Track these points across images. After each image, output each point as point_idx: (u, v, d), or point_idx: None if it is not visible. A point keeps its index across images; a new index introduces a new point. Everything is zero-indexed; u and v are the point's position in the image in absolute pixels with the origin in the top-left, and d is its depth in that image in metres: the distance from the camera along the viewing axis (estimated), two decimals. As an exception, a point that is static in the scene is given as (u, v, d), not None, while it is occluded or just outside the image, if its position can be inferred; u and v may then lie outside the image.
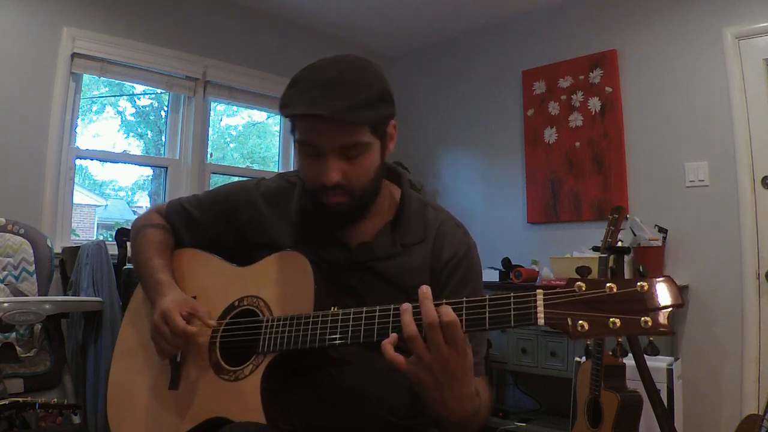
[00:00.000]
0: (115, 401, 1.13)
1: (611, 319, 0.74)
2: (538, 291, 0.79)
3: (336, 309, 0.94)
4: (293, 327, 0.96)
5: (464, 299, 0.83)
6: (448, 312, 0.80)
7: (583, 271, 0.80)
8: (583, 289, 0.76)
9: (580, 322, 0.75)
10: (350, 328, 0.91)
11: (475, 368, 0.91)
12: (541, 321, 0.77)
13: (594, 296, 0.75)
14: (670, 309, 0.73)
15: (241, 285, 1.09)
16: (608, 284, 0.75)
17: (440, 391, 0.83)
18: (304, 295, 0.99)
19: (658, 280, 0.74)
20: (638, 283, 0.74)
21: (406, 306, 0.84)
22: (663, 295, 0.73)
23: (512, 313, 0.80)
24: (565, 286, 0.78)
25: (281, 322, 0.98)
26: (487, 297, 0.82)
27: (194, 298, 1.11)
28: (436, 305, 0.81)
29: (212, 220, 1.20)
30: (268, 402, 0.95)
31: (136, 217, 1.33)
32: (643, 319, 0.72)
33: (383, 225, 1.09)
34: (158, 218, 1.24)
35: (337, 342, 0.92)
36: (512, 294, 0.80)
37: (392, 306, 0.88)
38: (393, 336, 0.84)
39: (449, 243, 1.09)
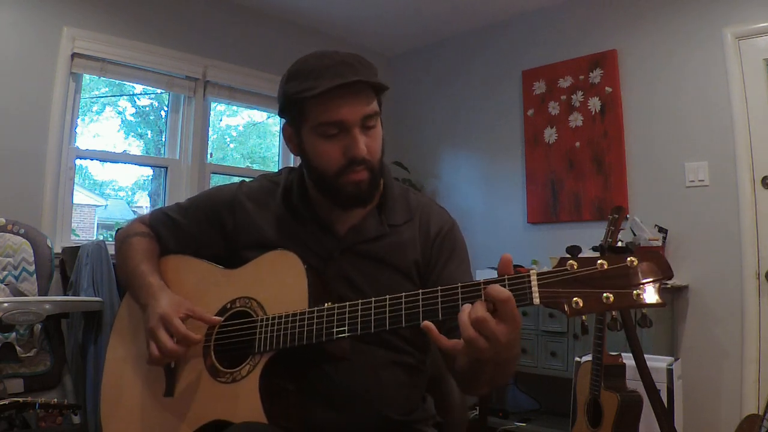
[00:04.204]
0: (110, 414, 1.10)
1: (604, 294, 0.76)
2: (532, 272, 0.81)
3: (330, 304, 0.94)
4: (289, 324, 0.96)
5: (459, 284, 0.85)
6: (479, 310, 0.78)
7: (573, 250, 0.81)
8: (575, 267, 0.78)
9: (575, 299, 0.77)
10: (350, 319, 0.92)
11: None
12: (536, 300, 0.79)
13: (586, 273, 0.77)
14: (660, 281, 0.75)
15: (232, 287, 1.08)
16: (599, 261, 0.77)
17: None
18: (298, 294, 0.99)
19: (647, 254, 0.77)
20: (628, 259, 0.76)
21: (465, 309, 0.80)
22: (652, 268, 0.76)
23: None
24: (558, 266, 0.80)
25: (276, 320, 0.98)
26: (483, 280, 0.83)
27: None
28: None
29: (197, 224, 1.19)
30: (267, 400, 0.94)
31: (118, 229, 1.30)
32: (635, 292, 0.75)
33: (370, 209, 1.12)
34: (142, 227, 1.23)
35: (335, 335, 0.92)
36: (506, 276, 0.81)
37: (391, 296, 0.89)
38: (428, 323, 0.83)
39: (434, 220, 1.14)
